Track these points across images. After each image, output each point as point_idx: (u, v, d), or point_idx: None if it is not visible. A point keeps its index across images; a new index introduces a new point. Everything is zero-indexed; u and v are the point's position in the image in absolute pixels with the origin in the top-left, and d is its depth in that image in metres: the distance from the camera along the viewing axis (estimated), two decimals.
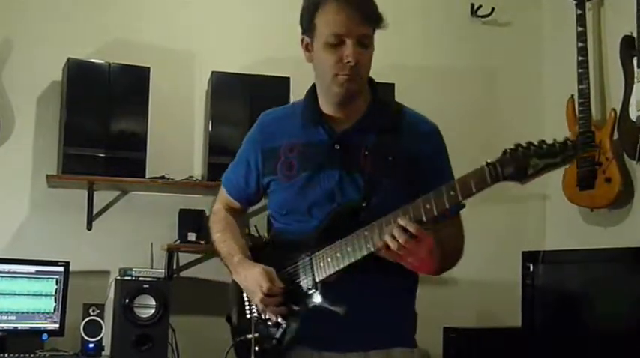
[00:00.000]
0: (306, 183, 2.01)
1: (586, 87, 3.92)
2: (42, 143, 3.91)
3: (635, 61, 3.70)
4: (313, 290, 1.95)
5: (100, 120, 3.75)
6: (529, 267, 3.95)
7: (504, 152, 1.71)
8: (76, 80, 3.74)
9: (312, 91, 2.09)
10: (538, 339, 3.86)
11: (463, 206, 2.04)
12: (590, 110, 3.92)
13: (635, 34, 3.71)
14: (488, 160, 1.72)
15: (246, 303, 2.09)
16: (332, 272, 1.92)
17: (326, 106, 2.05)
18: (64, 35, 3.97)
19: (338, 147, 2.00)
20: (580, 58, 3.96)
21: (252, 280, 1.99)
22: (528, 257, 3.98)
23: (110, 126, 3.76)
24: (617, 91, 3.86)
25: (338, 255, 1.91)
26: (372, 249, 1.85)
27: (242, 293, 2.10)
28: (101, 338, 3.59)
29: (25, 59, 3.90)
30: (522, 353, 3.88)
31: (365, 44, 1.94)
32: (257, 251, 2.13)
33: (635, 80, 3.69)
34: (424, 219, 1.79)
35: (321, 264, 1.94)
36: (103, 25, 4.03)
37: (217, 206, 2.29)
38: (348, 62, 1.91)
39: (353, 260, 1.88)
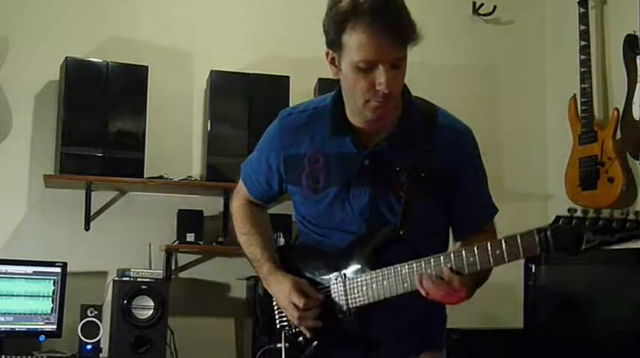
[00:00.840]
0: (334, 200, 1.93)
1: (589, 86, 3.92)
2: (39, 143, 3.91)
3: (638, 59, 3.69)
4: (347, 315, 1.92)
5: (97, 119, 3.75)
6: (531, 268, 3.94)
7: (556, 220, 1.64)
8: (73, 79, 3.74)
9: (339, 98, 1.94)
10: (540, 341, 3.86)
11: (497, 210, 2.04)
12: (593, 109, 3.92)
13: (638, 33, 3.71)
14: (539, 226, 1.65)
15: (276, 311, 2.04)
16: (366, 303, 1.88)
17: (354, 119, 1.91)
18: (62, 34, 3.97)
19: (367, 163, 1.90)
20: (583, 57, 3.96)
21: (285, 297, 1.94)
22: (530, 257, 3.98)
23: (108, 126, 3.76)
24: (620, 90, 3.86)
25: (374, 286, 1.86)
26: (409, 290, 1.81)
27: (272, 300, 2.05)
28: (99, 340, 3.59)
29: (22, 58, 3.90)
30: (524, 355, 3.88)
31: (398, 66, 1.79)
32: (285, 255, 2.08)
33: (639, 79, 3.69)
34: (466, 271, 1.76)
35: (355, 291, 1.89)
36: (100, 23, 4.03)
37: (237, 202, 2.18)
38: (381, 88, 1.77)
39: (388, 295, 1.84)
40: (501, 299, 4.31)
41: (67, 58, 3.75)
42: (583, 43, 3.97)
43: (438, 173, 1.88)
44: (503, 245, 1.69)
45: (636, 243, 1.59)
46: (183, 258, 4.06)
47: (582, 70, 3.95)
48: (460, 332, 3.95)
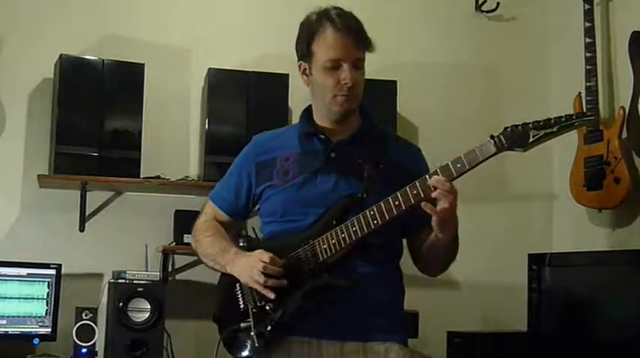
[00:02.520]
0: (302, 185, 2.17)
1: (594, 84, 3.91)
2: (33, 142, 3.90)
3: None
4: (316, 270, 2.06)
5: (93, 118, 3.74)
6: (535, 270, 3.94)
7: (505, 128, 1.96)
8: (68, 77, 3.73)
9: (307, 111, 2.30)
10: (544, 344, 3.86)
11: None
12: (599, 108, 3.92)
13: None
14: (492, 134, 1.96)
15: (239, 295, 2.17)
16: (338, 249, 2.04)
17: (322, 121, 2.25)
18: (56, 31, 3.96)
19: (333, 155, 2.19)
20: (588, 55, 3.95)
21: (253, 258, 2.08)
22: (534, 259, 3.98)
23: (104, 125, 3.75)
24: (626, 89, 3.85)
25: (343, 235, 2.05)
26: (379, 223, 2.01)
27: (234, 288, 2.18)
28: (94, 343, 3.59)
29: (16, 55, 3.90)
30: None
31: (359, 67, 2.17)
32: (253, 246, 2.19)
33: None
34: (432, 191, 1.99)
35: (324, 247, 2.07)
36: (96, 20, 4.03)
37: (203, 218, 2.39)
38: (346, 84, 2.13)
39: (360, 235, 2.04)
40: (505, 301, 4.31)
41: (61, 55, 3.74)
42: (588, 40, 3.96)
43: (395, 167, 2.17)
44: (463, 157, 1.98)
45: (571, 129, 2.01)
46: (180, 260, 4.05)
47: (587, 67, 3.94)
48: (462, 335, 3.95)
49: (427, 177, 1.99)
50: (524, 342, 3.94)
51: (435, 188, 1.96)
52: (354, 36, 2.14)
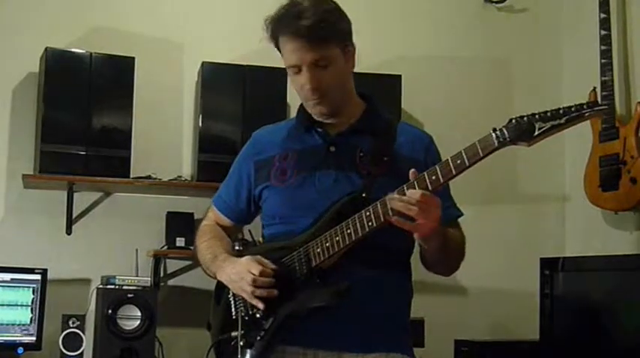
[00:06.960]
0: (300, 184, 2.14)
1: (610, 78, 3.92)
2: (17, 140, 3.90)
3: None
4: (309, 276, 2.04)
5: (80, 115, 3.74)
6: (548, 275, 3.94)
7: (510, 120, 1.89)
8: (54, 71, 3.73)
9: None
10: (557, 353, 3.86)
11: (461, 214, 2.17)
12: (614, 104, 3.92)
13: None
14: (495, 126, 1.89)
15: (232, 302, 2.16)
16: (331, 253, 2.01)
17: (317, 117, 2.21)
18: (42, 22, 3.96)
19: (333, 149, 2.16)
20: (603, 48, 3.96)
21: (241, 267, 2.07)
22: (547, 264, 3.98)
23: (91, 122, 3.75)
24: None
25: (337, 238, 2.01)
26: (374, 225, 1.96)
27: (228, 294, 2.17)
28: (82, 352, 3.59)
29: None
30: None
31: (322, 65, 2.08)
32: (249, 251, 2.17)
33: None
34: (430, 187, 1.92)
35: (318, 251, 2.03)
36: (83, 11, 4.03)
37: (205, 221, 2.39)
38: (307, 88, 2.09)
39: (354, 238, 1.99)
40: (515, 308, 4.31)
41: (47, 48, 3.74)
42: (604, 32, 3.96)
43: (400, 158, 2.12)
44: (463, 152, 1.89)
45: (581, 121, 1.89)
46: (172, 265, 4.06)
47: (603, 61, 3.94)
48: (470, 344, 3.95)
49: (422, 175, 1.93)
50: (536, 351, 3.94)
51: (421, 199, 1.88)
52: (307, 36, 2.05)
